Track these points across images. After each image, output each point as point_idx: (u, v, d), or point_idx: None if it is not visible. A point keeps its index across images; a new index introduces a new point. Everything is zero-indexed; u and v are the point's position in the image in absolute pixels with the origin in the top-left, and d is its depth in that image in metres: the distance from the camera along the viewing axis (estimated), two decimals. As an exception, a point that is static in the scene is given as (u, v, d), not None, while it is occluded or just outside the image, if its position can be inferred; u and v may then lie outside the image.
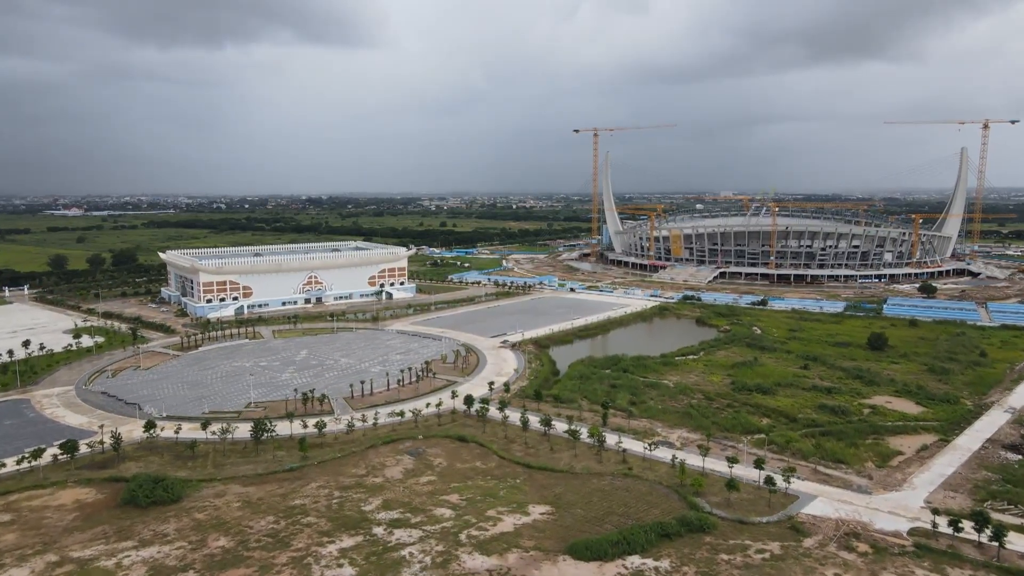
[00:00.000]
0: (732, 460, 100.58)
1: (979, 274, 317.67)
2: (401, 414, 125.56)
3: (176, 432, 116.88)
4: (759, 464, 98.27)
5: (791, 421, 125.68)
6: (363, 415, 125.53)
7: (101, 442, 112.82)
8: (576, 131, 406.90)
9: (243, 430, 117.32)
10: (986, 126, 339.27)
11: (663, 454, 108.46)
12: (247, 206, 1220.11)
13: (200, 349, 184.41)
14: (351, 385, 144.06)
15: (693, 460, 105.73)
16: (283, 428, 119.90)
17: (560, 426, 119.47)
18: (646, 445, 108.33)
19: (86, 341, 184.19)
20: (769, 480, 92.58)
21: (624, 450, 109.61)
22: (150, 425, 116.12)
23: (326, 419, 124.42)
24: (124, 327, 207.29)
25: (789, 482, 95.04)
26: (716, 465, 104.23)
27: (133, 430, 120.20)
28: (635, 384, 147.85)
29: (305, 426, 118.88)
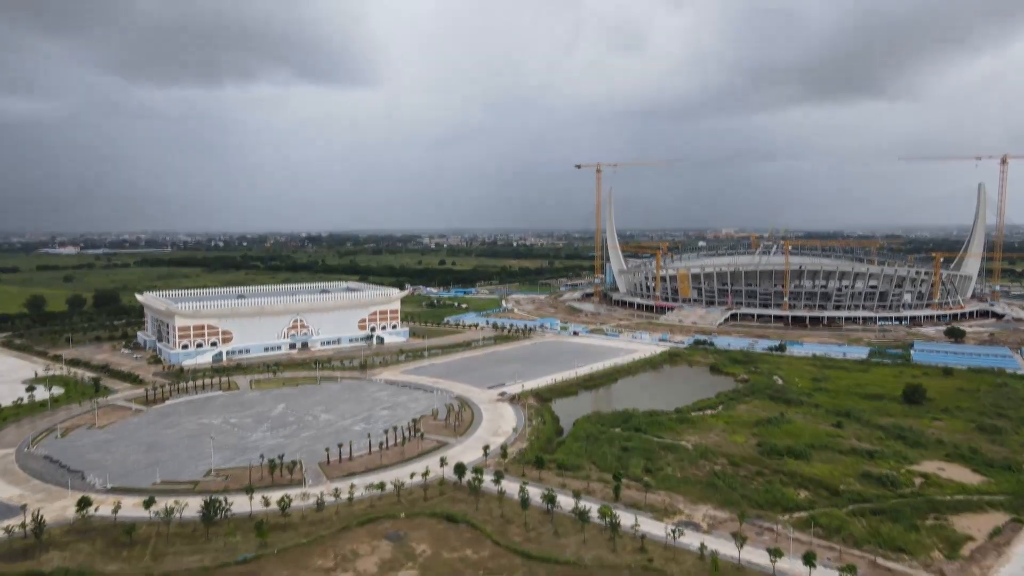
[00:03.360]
0: (775, 552, 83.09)
1: (1004, 316, 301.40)
2: (381, 486, 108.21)
3: (115, 511, 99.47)
4: (809, 561, 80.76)
5: (833, 495, 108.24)
6: (337, 488, 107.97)
7: (23, 525, 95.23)
8: (578, 166, 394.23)
9: (196, 506, 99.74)
10: (1004, 161, 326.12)
11: (689, 540, 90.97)
12: (245, 244, 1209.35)
13: (167, 402, 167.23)
14: (327, 449, 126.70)
15: (726, 549, 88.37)
16: (242, 504, 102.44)
17: (566, 501, 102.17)
18: (669, 530, 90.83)
19: (41, 393, 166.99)
20: (826, 584, 75.19)
21: (643, 536, 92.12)
22: (84, 503, 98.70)
23: (295, 492, 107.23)
24: (89, 376, 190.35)
25: (848, 584, 77.58)
26: (754, 555, 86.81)
27: (68, 507, 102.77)
28: (649, 446, 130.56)
29: (267, 504, 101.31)
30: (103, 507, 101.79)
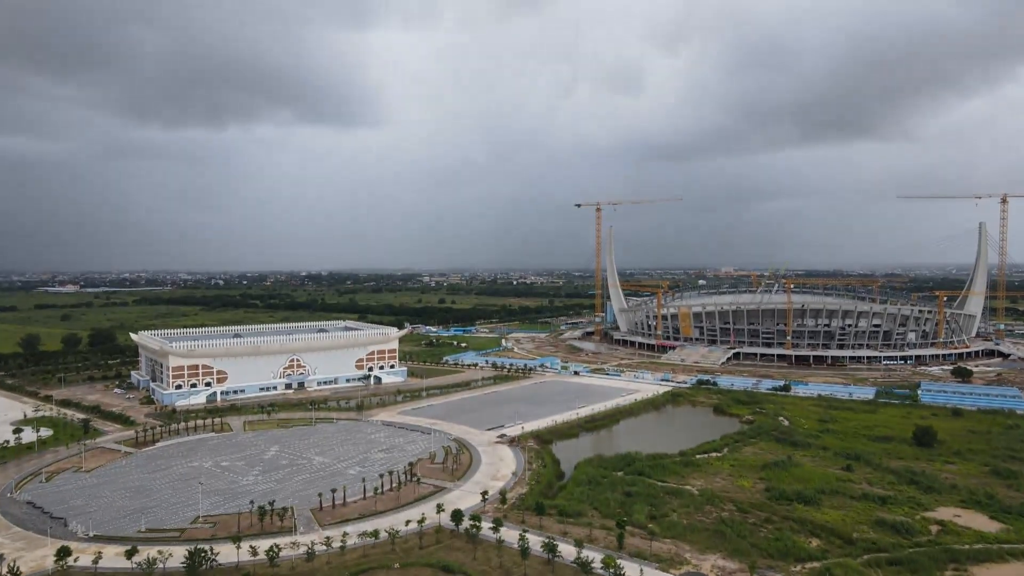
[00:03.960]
0: (789, 608, 78.62)
1: (1010, 355, 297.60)
2: (375, 534, 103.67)
3: (95, 561, 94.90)
4: (826, 616, 76.29)
5: (847, 543, 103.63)
6: (329, 536, 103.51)
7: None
8: (578, 205, 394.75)
9: (181, 555, 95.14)
10: (1004, 200, 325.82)
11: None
12: (245, 282, 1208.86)
13: (157, 445, 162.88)
14: (320, 494, 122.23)
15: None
16: (229, 554, 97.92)
17: (567, 550, 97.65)
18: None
19: (28, 435, 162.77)
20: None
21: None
22: (64, 552, 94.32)
23: (284, 540, 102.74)
24: (79, 417, 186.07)
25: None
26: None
27: (47, 556, 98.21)
28: (654, 491, 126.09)
29: (255, 553, 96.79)
30: (84, 556, 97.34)
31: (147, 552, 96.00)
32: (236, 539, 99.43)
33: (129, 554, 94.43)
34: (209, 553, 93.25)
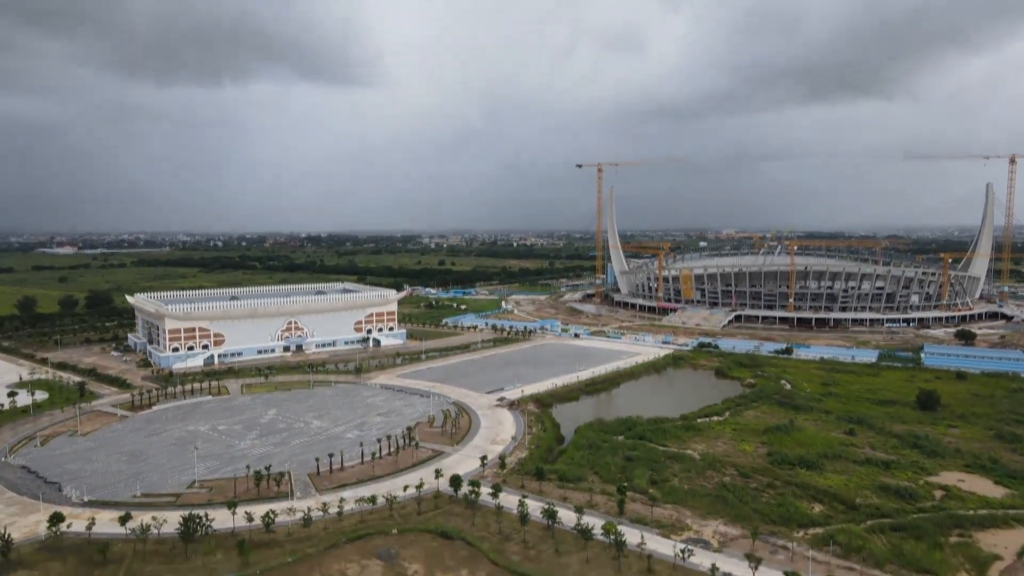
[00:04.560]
0: (793, 576, 77.33)
1: (1013, 317, 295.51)
2: (373, 499, 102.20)
3: (89, 527, 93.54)
4: (831, 585, 74.95)
5: (850, 508, 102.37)
6: (326, 502, 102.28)
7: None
8: (579, 166, 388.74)
9: (176, 521, 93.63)
10: (1013, 161, 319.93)
11: (699, 559, 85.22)
12: (244, 244, 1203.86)
13: (154, 408, 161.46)
14: (317, 459, 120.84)
15: (738, 570, 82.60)
16: (224, 520, 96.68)
17: (567, 516, 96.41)
18: (677, 549, 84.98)
19: (23, 398, 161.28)
20: (850, 612, 69.41)
21: (649, 555, 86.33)
22: (56, 519, 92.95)
23: (281, 506, 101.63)
24: (75, 380, 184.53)
25: (872, 610, 71.85)
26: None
27: (41, 522, 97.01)
28: (654, 455, 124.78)
29: (251, 519, 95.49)
30: (77, 522, 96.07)
31: (142, 518, 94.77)
32: (232, 504, 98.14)
33: (123, 520, 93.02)
34: (204, 519, 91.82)
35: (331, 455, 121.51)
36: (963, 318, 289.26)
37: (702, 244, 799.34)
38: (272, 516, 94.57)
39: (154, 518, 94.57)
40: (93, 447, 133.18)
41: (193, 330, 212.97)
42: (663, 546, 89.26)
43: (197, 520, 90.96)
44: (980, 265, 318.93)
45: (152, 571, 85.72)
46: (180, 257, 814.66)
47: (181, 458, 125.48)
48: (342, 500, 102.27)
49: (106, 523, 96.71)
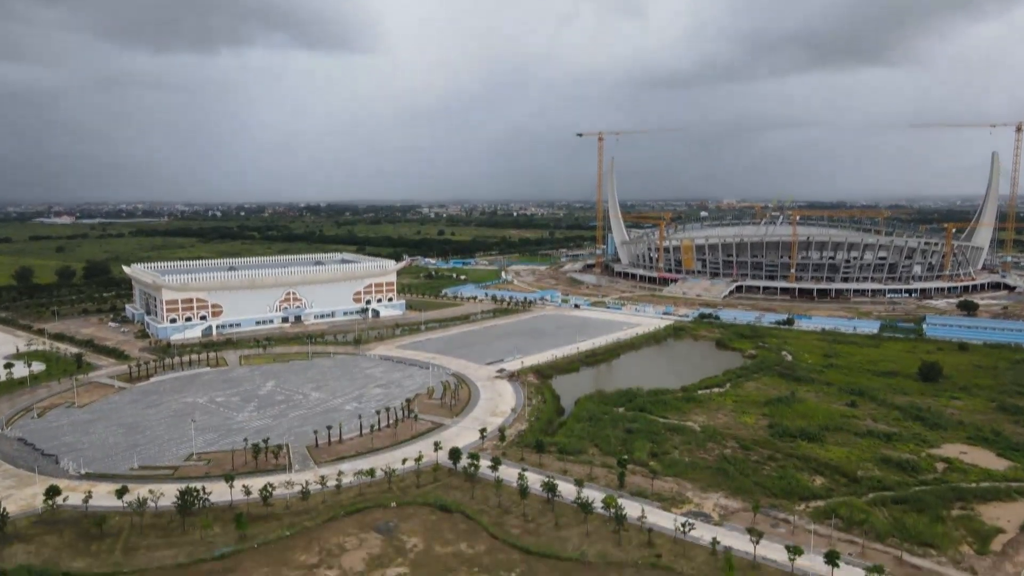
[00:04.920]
0: (794, 551, 76.60)
1: (1016, 287, 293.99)
2: (371, 472, 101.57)
3: (85, 500, 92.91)
4: (832, 560, 74.23)
5: (852, 481, 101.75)
6: (324, 475, 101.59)
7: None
8: (580, 135, 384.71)
9: (173, 494, 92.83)
10: (1020, 129, 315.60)
11: (700, 533, 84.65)
12: (243, 214, 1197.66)
13: (152, 380, 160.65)
14: (315, 431, 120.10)
15: (739, 544, 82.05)
16: (222, 493, 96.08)
17: (567, 489, 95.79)
18: (678, 523, 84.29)
19: (20, 370, 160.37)
20: (852, 587, 68.77)
21: (650, 529, 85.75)
22: (53, 492, 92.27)
23: (279, 479, 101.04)
24: (72, 351, 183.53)
25: (874, 585, 71.25)
26: (771, 551, 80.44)
27: (37, 495, 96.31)
28: (655, 428, 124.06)
29: (248, 492, 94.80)
30: (74, 495, 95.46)
31: (138, 491, 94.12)
32: (229, 478, 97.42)
33: (120, 493, 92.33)
34: (202, 492, 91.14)
35: (329, 428, 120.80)
36: (965, 288, 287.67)
37: (703, 214, 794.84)
38: (270, 489, 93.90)
39: (151, 491, 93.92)
40: (90, 419, 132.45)
41: (191, 301, 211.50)
42: (663, 519, 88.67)
43: (194, 493, 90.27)
44: (984, 235, 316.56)
45: (149, 545, 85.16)
46: (178, 227, 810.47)
47: (179, 430, 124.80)
48: (340, 473, 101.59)
49: (103, 496, 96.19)
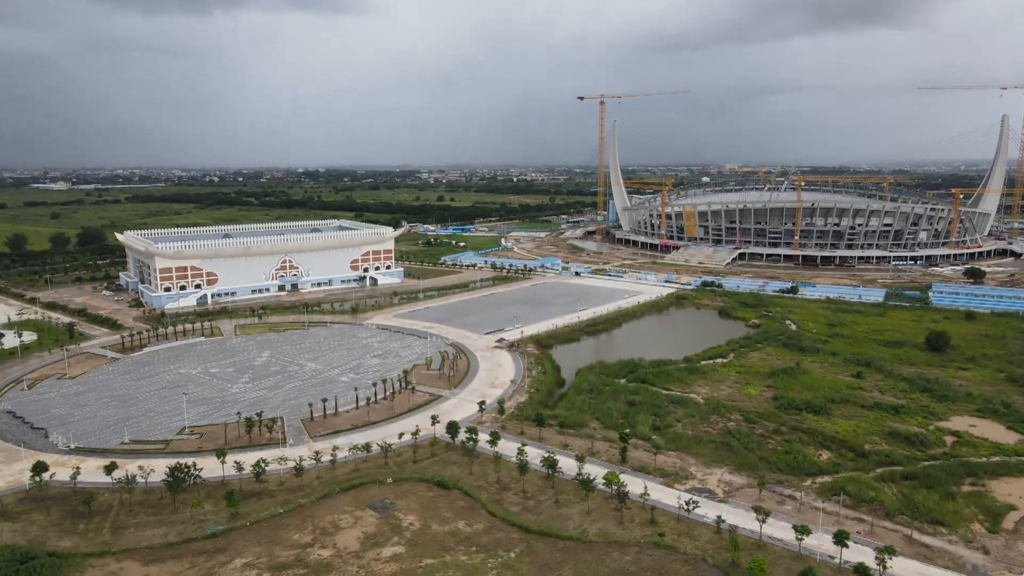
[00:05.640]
0: (801, 530, 74.28)
1: (1022, 254, 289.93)
2: (367, 447, 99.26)
3: (73, 477, 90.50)
4: (841, 540, 71.87)
5: (859, 456, 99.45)
6: (319, 450, 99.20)
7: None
8: (581, 98, 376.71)
9: (163, 470, 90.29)
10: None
11: (704, 510, 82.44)
12: (240, 179, 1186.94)
13: (145, 350, 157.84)
14: (311, 404, 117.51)
15: (744, 521, 79.82)
16: (214, 468, 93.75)
17: (568, 464, 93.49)
18: (682, 502, 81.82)
19: (11, 340, 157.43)
20: (862, 571, 66.45)
21: (653, 507, 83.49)
22: (40, 468, 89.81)
23: (272, 454, 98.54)
24: (64, 321, 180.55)
25: (884, 567, 69.05)
26: (778, 530, 78.21)
27: (24, 471, 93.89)
28: (657, 400, 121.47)
29: (240, 469, 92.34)
30: (62, 471, 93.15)
31: (128, 467, 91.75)
32: (221, 453, 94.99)
33: (108, 469, 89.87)
34: (193, 468, 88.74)
35: (324, 400, 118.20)
36: (971, 255, 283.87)
37: (705, 179, 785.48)
38: (263, 465, 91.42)
39: (140, 467, 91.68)
40: (82, 391, 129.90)
41: (185, 269, 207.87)
42: (666, 496, 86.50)
43: (185, 469, 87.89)
44: (991, 200, 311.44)
45: (138, 523, 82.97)
46: (175, 193, 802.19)
47: (172, 402, 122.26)
48: (335, 448, 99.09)
49: (92, 472, 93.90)
